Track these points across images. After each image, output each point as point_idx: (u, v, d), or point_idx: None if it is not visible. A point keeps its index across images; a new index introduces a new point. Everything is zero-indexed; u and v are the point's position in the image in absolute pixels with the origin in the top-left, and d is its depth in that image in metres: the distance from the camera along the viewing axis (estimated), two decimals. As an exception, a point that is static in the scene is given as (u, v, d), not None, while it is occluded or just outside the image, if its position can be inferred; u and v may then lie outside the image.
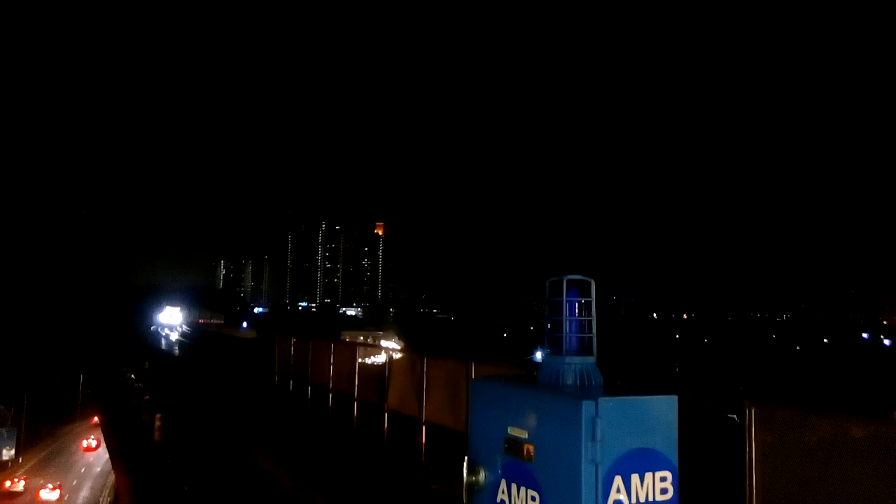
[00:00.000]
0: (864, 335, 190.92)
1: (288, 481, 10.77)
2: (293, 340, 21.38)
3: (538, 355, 3.23)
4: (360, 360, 16.08)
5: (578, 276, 3.05)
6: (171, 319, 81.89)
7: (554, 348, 3.03)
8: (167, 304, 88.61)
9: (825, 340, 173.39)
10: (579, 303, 3.06)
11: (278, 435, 14.80)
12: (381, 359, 15.82)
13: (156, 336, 63.28)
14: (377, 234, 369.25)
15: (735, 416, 6.84)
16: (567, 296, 3.00)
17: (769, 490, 6.42)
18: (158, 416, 16.28)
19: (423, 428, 12.22)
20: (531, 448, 2.71)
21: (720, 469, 6.78)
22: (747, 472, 6.59)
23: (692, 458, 7.24)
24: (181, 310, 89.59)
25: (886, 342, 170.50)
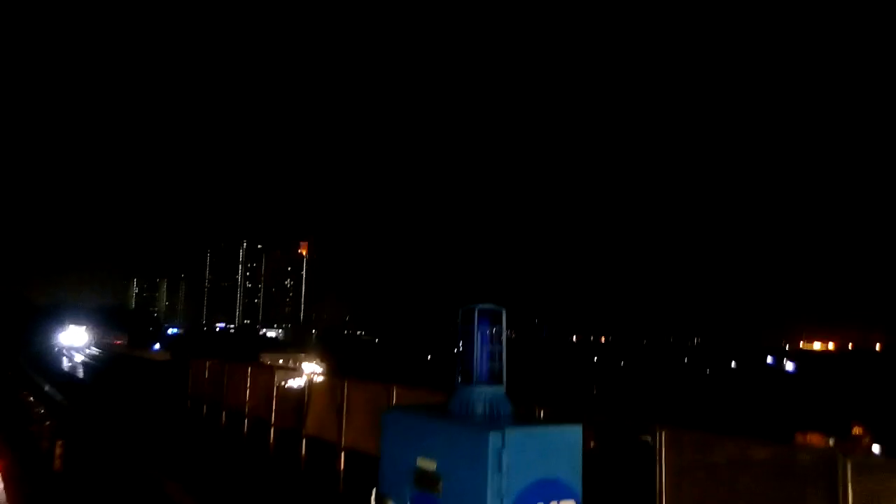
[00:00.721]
0: (769, 360, 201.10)
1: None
2: (208, 363, 20.68)
3: (461, 379, 3.24)
4: (278, 383, 15.70)
5: (490, 306, 3.08)
6: (76, 340, 77.57)
7: (464, 377, 3.05)
8: (71, 324, 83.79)
9: (733, 364, 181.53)
10: (490, 332, 3.09)
11: (189, 462, 14.21)
12: (300, 382, 15.48)
13: (58, 357, 59.76)
14: (301, 253, 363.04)
15: (649, 439, 7.06)
16: (478, 325, 3.02)
17: (677, 511, 6.65)
18: (60, 442, 15.34)
19: (343, 454, 12.02)
20: (439, 479, 2.70)
21: (634, 489, 6.97)
22: (658, 493, 6.82)
23: (607, 478, 7.43)
24: (87, 329, 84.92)
25: (789, 367, 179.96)
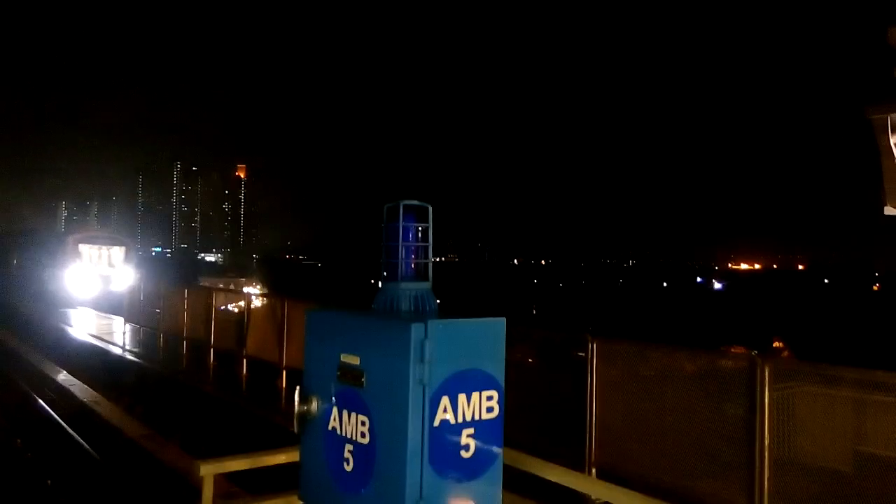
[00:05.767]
0: (699, 279, 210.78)
1: (138, 430, 10.33)
2: (143, 286, 20.22)
3: (386, 276, 3.17)
4: (217, 305, 15.52)
5: (415, 202, 3.02)
6: (115, 281, 33.95)
7: (390, 275, 3.02)
8: (83, 243, 35.86)
9: (664, 284, 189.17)
10: (416, 229, 3.04)
11: (127, 386, 14.08)
12: (240, 304, 15.34)
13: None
14: (238, 176, 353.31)
15: (583, 354, 7.31)
16: (403, 221, 2.97)
17: (608, 417, 6.98)
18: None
19: (284, 373, 12.06)
20: (362, 373, 2.71)
21: (570, 403, 7.25)
22: (588, 404, 7.11)
23: (545, 393, 7.75)
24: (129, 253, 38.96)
25: (717, 286, 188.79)
